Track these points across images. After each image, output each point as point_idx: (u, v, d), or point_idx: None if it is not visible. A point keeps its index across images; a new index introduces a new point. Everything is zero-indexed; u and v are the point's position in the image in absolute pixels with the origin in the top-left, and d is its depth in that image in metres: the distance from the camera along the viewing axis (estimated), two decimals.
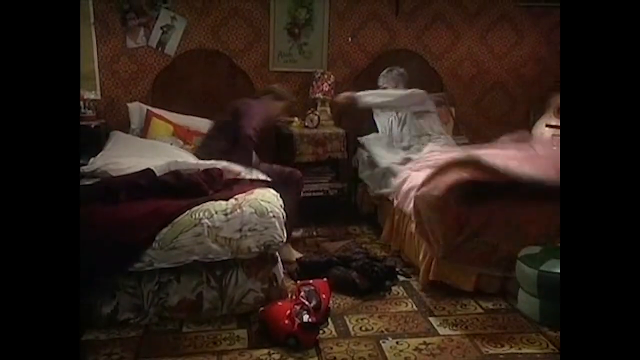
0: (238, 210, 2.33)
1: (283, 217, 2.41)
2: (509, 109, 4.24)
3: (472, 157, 2.49)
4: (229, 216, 2.31)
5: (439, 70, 4.07)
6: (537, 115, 4.04)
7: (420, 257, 2.71)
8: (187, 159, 2.91)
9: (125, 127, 3.55)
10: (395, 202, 3.04)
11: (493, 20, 4.07)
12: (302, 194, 3.45)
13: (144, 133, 3.49)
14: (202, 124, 3.63)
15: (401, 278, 2.84)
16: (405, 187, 2.92)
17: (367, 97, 3.57)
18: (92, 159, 2.80)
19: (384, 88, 3.66)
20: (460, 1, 4.01)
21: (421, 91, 3.58)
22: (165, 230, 2.25)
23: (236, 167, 2.84)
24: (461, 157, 2.55)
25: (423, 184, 2.54)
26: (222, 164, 2.85)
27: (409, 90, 3.56)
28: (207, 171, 2.66)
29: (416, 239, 2.78)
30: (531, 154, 2.64)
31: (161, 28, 3.71)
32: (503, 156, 2.51)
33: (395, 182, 3.10)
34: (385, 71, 3.71)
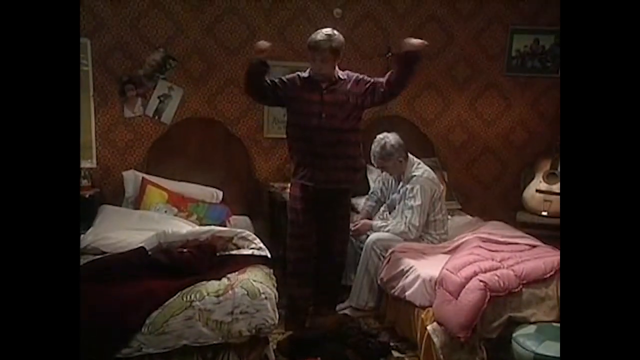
0: (230, 292, 2.31)
1: (275, 298, 2.40)
2: (499, 173, 4.31)
3: None
4: (221, 298, 2.30)
5: (430, 136, 4.16)
6: (528, 180, 4.11)
7: (418, 334, 2.67)
8: (179, 229, 2.92)
9: (120, 196, 3.57)
10: (383, 279, 3.01)
11: (481, 88, 4.19)
12: None
13: (138, 201, 3.50)
14: (197, 191, 3.68)
15: (395, 354, 2.79)
16: (394, 271, 2.91)
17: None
18: (82, 236, 2.80)
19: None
20: (450, 71, 4.14)
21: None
22: (155, 313, 2.22)
23: (229, 233, 2.84)
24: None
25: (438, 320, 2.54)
26: (214, 229, 2.86)
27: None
28: (199, 247, 2.66)
29: (413, 315, 2.75)
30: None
31: (158, 98, 3.80)
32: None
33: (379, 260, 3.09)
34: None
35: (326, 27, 2.88)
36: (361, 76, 2.97)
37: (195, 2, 3.75)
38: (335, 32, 2.86)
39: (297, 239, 2.99)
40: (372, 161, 3.27)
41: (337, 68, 2.95)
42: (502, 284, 2.49)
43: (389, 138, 3.20)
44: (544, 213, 3.89)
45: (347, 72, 3.00)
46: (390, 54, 3.99)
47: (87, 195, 3.43)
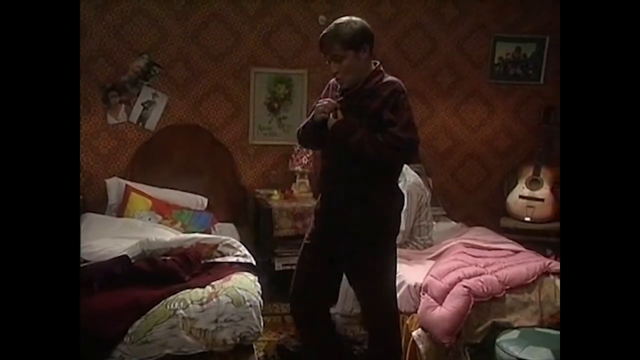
0: (214, 300, 2.30)
1: (260, 305, 2.38)
2: (483, 179, 4.35)
3: None
4: (205, 306, 2.28)
5: None
6: (511, 186, 4.16)
7: (403, 341, 2.67)
8: (163, 236, 2.89)
9: (103, 203, 3.54)
10: None
11: (465, 95, 4.24)
12: (282, 267, 3.42)
13: (121, 208, 3.47)
14: (181, 198, 3.65)
15: None
16: None
17: None
18: None
19: None
20: (434, 77, 4.18)
21: None
22: (138, 322, 2.20)
23: (213, 240, 2.82)
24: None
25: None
26: (199, 237, 2.84)
27: None
28: (183, 254, 2.64)
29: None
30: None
31: (142, 104, 3.77)
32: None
33: None
34: None
35: (337, 21, 2.14)
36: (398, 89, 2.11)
37: (179, 9, 3.74)
38: (354, 18, 2.12)
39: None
40: None
41: (377, 70, 2.15)
42: (485, 290, 2.51)
43: None
44: (527, 219, 3.94)
45: (389, 77, 2.16)
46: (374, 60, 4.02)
47: None
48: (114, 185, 3.57)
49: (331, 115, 2.12)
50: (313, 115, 2.17)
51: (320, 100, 2.17)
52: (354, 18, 2.12)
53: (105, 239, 2.88)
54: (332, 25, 2.12)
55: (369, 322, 2.35)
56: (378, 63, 2.19)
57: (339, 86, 2.19)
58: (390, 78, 2.16)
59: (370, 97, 2.10)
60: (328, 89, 2.28)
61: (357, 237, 2.14)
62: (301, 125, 2.29)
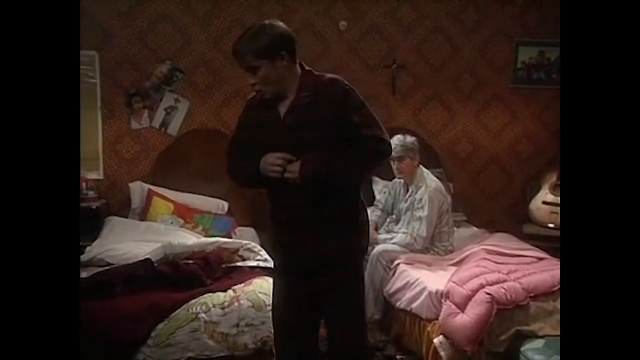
0: (235, 304, 2.31)
1: None
2: (505, 185, 4.30)
3: None
4: (226, 310, 2.30)
5: (435, 147, 4.16)
6: (534, 192, 4.10)
7: (424, 348, 2.65)
8: (184, 240, 2.92)
9: (126, 207, 3.59)
10: (388, 292, 2.99)
11: (487, 100, 4.20)
12: None
13: (144, 212, 3.52)
14: (203, 202, 3.69)
15: None
16: (399, 283, 2.89)
17: None
18: (88, 248, 2.82)
19: None
20: (455, 82, 4.15)
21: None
22: (161, 325, 2.23)
23: (234, 244, 2.84)
24: None
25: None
26: (220, 241, 2.86)
27: None
28: (204, 258, 2.67)
29: (419, 328, 2.73)
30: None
31: (165, 109, 3.83)
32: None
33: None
34: None
35: (251, 27, 1.87)
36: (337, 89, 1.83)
37: (202, 16, 3.80)
38: (272, 22, 1.86)
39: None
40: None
41: (307, 73, 1.88)
42: (509, 297, 2.47)
43: (408, 135, 3.24)
44: (551, 225, 3.87)
45: (326, 75, 1.89)
46: (395, 65, 4.02)
47: (93, 207, 3.45)
48: (137, 189, 3.63)
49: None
50: (262, 169, 1.80)
51: (269, 158, 1.79)
52: (272, 22, 1.85)
53: (128, 243, 2.93)
54: (245, 31, 1.84)
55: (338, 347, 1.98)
56: (303, 65, 1.91)
57: (264, 99, 1.86)
58: (329, 75, 1.87)
59: (316, 103, 1.80)
60: (253, 104, 1.94)
61: (330, 264, 1.84)
62: (238, 170, 1.94)
